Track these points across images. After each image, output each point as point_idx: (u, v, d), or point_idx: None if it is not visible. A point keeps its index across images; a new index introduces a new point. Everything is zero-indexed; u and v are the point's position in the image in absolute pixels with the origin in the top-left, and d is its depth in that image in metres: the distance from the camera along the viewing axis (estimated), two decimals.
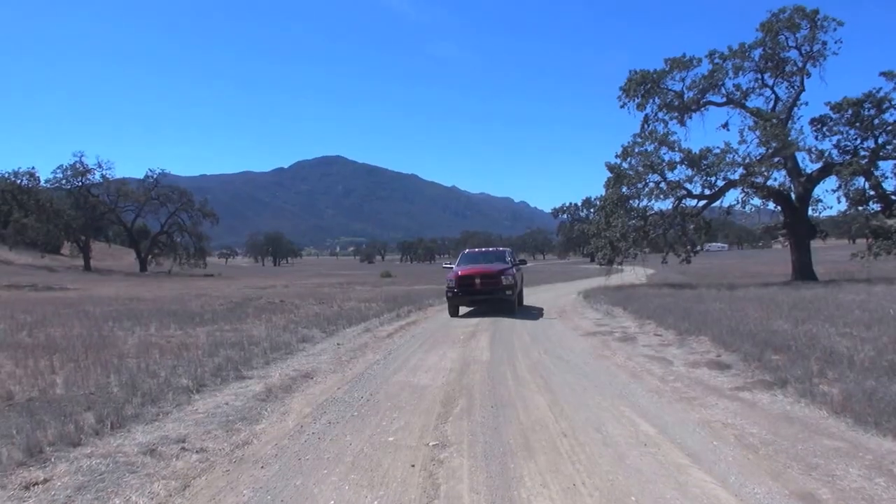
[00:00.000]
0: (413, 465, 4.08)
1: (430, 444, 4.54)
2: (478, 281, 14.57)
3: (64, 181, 58.06)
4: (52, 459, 4.22)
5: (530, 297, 20.44)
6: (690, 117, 26.21)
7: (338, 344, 9.94)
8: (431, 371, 7.49)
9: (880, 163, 23.32)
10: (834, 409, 5.06)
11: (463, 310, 15.35)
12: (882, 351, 6.83)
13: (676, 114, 26.07)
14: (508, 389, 6.36)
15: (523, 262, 18.98)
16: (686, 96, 25.89)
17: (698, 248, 26.62)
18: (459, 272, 14.88)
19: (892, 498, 3.33)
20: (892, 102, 22.98)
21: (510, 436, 4.68)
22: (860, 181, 23.03)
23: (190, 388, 6.37)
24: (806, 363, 6.49)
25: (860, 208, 23.12)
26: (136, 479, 3.89)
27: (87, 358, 8.02)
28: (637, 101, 26.01)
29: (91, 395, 5.95)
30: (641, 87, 25.74)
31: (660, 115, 26.37)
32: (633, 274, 30.35)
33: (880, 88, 23.05)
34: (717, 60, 25.32)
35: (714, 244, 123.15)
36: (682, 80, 25.73)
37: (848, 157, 23.41)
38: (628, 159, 24.18)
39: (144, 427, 5.07)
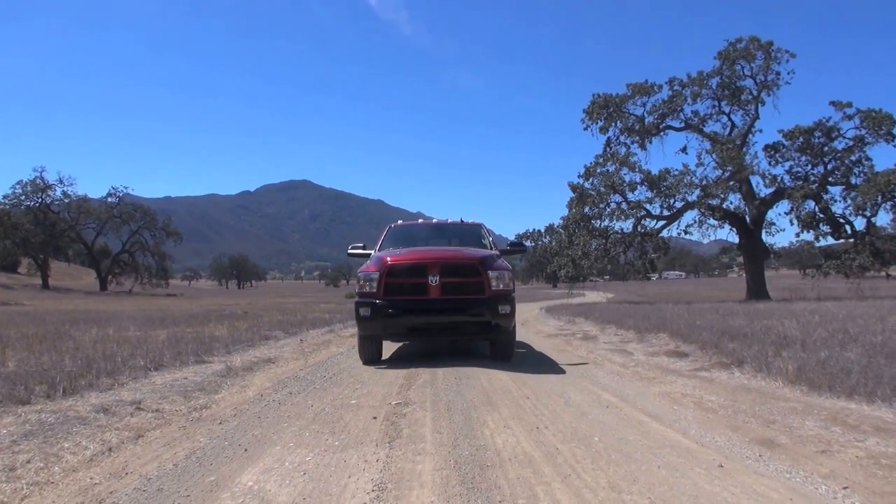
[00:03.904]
0: (375, 418, 4.08)
1: (393, 403, 4.54)
2: (433, 280, 6.67)
3: (23, 196, 56.40)
4: None
5: None
6: (651, 141, 27.28)
7: (301, 340, 9.83)
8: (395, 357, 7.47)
9: (830, 187, 24.59)
10: (789, 379, 5.23)
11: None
12: (833, 333, 7.24)
13: (637, 137, 27.06)
14: (472, 367, 6.38)
15: (520, 246, 9.21)
16: (647, 120, 26.93)
17: (656, 275, 27.65)
18: (389, 259, 6.96)
19: (848, 440, 3.46)
20: (841, 131, 24.40)
21: (473, 396, 4.73)
22: (811, 205, 24.21)
23: (147, 366, 6.22)
24: (762, 346, 6.73)
25: (811, 231, 24.22)
26: (88, 430, 3.79)
27: (41, 346, 7.75)
28: (600, 123, 26.89)
29: (44, 370, 5.73)
30: (604, 110, 26.67)
31: (622, 138, 27.33)
32: (594, 296, 30.91)
33: (829, 117, 24.56)
34: (676, 87, 26.57)
35: (672, 272, 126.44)
36: (644, 105, 26.93)
37: (799, 183, 24.61)
38: (591, 179, 24.96)
39: (99, 393, 4.95)
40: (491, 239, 8.76)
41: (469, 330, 6.91)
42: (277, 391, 5.23)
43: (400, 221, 9.71)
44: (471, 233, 9.04)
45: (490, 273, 6.79)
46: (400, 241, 8.50)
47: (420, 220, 10.05)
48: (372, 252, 8.09)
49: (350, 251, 8.60)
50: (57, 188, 57.79)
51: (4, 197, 55.65)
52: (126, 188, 63.35)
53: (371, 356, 7.11)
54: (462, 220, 9.49)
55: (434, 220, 9.86)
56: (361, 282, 6.92)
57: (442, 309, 6.70)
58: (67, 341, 8.56)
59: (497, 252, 7.97)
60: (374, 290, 6.72)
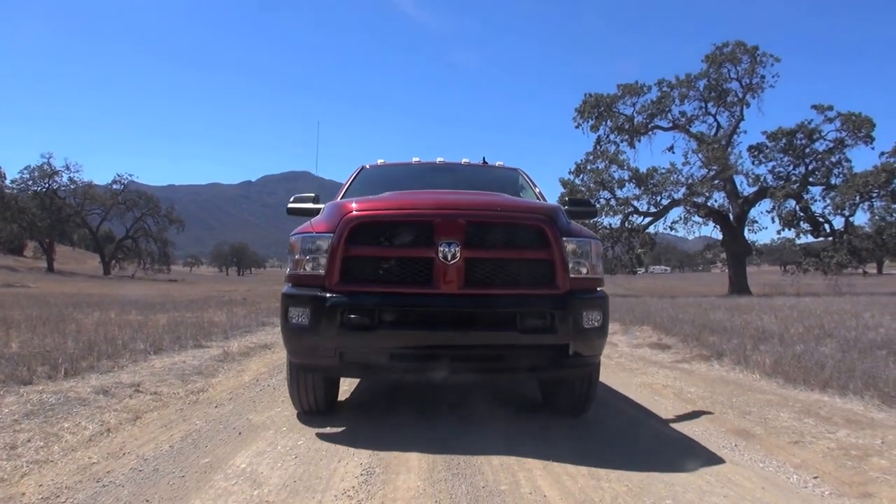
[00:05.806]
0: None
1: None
2: (447, 251, 3.06)
3: (31, 182, 57.74)
4: (1, 393, 4.19)
5: None
6: (639, 140, 27.78)
7: None
8: None
9: (810, 187, 25.19)
10: (766, 372, 5.41)
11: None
12: (810, 328, 7.45)
13: (627, 136, 27.45)
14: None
15: (589, 206, 4.73)
16: (636, 120, 27.33)
17: (643, 269, 28.13)
18: (356, 207, 3.30)
19: (819, 432, 3.56)
20: (822, 133, 24.94)
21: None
22: (792, 204, 24.81)
23: (147, 350, 6.35)
24: (741, 340, 6.91)
25: (791, 229, 24.80)
26: (87, 410, 3.88)
27: (44, 328, 7.89)
28: (591, 122, 27.23)
29: (47, 352, 5.83)
30: (595, 109, 26.98)
31: (612, 137, 27.73)
32: None
33: (811, 120, 25.17)
34: (665, 88, 26.99)
35: (657, 267, 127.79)
36: (633, 104, 27.34)
37: (781, 182, 25.14)
38: (581, 176, 25.34)
39: (99, 375, 5.05)
40: (538, 190, 5.13)
41: (520, 362, 3.30)
42: (272, 376, 5.35)
43: (380, 161, 5.78)
44: (504, 180, 5.35)
45: (567, 243, 3.33)
46: (385, 182, 4.82)
47: (415, 159, 5.82)
48: (323, 206, 4.21)
49: (291, 205, 4.73)
50: (63, 174, 59.02)
51: (13, 182, 57.00)
52: (131, 175, 64.56)
53: (312, 402, 3.77)
54: (485, 162, 5.95)
55: (438, 160, 5.79)
56: (297, 254, 3.38)
57: (465, 317, 3.18)
58: (70, 324, 8.68)
59: (561, 210, 3.72)
60: (321, 272, 3.26)
